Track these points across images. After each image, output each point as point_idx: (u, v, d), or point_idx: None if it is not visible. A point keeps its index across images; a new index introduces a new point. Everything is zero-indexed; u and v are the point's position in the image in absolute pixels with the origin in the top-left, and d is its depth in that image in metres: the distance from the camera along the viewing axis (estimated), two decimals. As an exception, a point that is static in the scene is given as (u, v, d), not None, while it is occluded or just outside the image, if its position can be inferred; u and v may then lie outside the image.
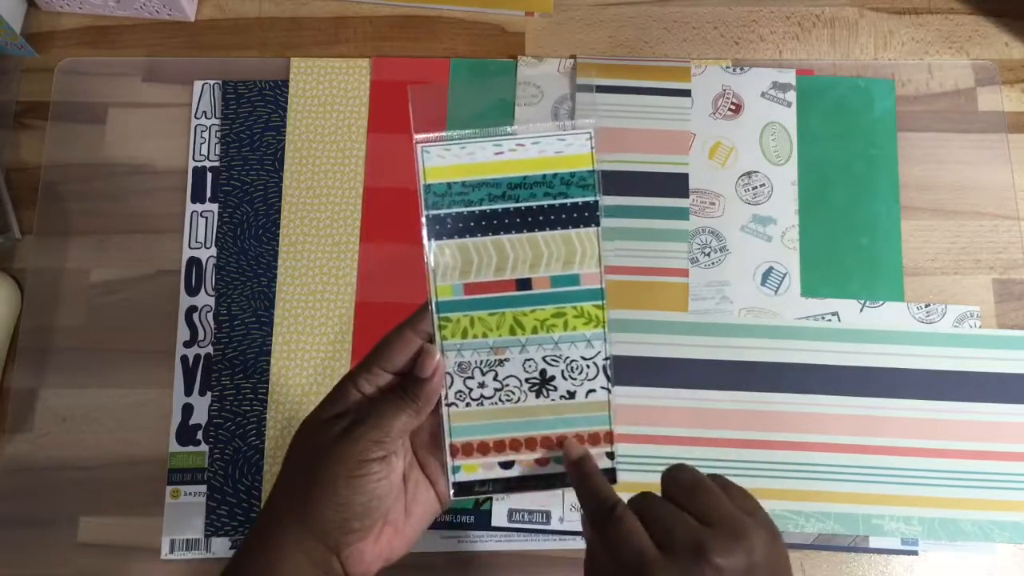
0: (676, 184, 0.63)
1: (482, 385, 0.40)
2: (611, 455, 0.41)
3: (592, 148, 0.40)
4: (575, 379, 0.41)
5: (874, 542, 0.58)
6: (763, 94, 0.65)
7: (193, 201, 0.64)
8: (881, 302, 0.61)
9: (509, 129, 0.41)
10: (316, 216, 0.63)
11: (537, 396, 0.41)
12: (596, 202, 0.40)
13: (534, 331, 0.40)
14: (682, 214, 0.62)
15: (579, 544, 0.58)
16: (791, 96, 0.65)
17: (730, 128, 0.64)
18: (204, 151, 0.64)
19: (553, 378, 0.41)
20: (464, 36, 0.67)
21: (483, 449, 0.41)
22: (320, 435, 0.38)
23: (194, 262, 0.63)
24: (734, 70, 0.65)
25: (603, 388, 0.41)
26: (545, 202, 0.40)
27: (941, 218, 0.64)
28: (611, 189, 0.63)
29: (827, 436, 0.59)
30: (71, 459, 0.59)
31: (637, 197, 0.63)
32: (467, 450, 0.41)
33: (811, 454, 0.58)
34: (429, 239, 0.40)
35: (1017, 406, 0.59)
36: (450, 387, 0.40)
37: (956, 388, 0.59)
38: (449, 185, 0.40)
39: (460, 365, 0.40)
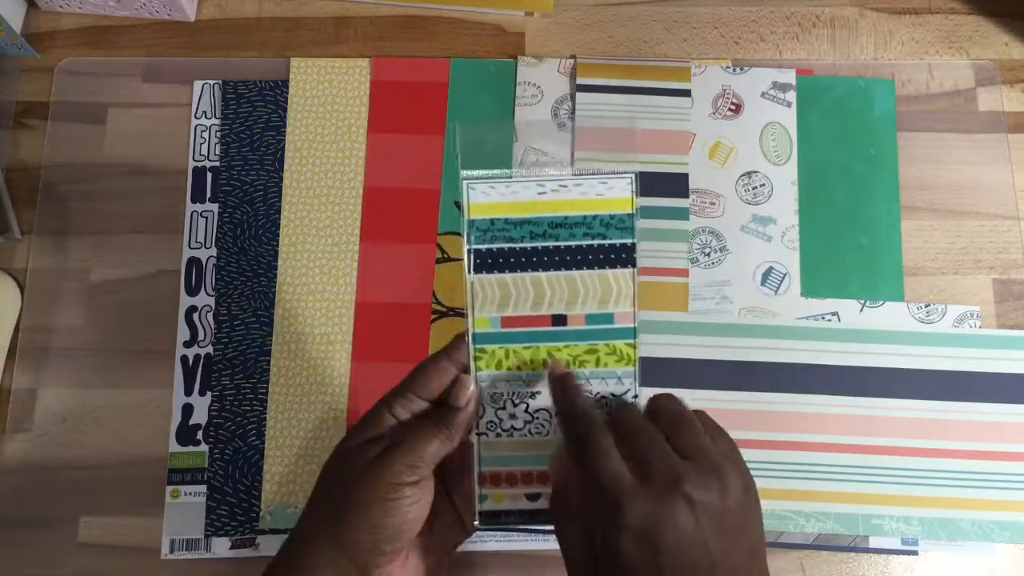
0: (676, 184, 0.63)
1: (513, 416, 0.41)
2: None
3: (633, 193, 0.42)
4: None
5: (874, 542, 0.58)
6: (763, 94, 0.65)
7: (193, 201, 0.64)
8: (881, 302, 0.61)
9: (553, 171, 0.41)
10: (316, 216, 0.63)
11: None
12: (633, 244, 0.41)
13: (566, 365, 0.41)
14: (682, 214, 0.62)
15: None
16: (791, 96, 0.65)
17: (730, 128, 0.64)
18: (204, 151, 0.64)
19: None
20: (464, 36, 0.67)
21: (511, 480, 0.41)
22: (355, 458, 0.38)
23: (194, 262, 0.63)
24: (734, 70, 0.65)
25: None
26: (584, 242, 0.41)
27: (941, 218, 0.64)
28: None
29: (827, 436, 0.59)
30: (71, 459, 0.59)
31: (637, 197, 0.62)
32: (495, 480, 0.41)
33: (811, 454, 0.58)
34: (470, 272, 0.41)
35: (1017, 406, 0.59)
36: (482, 417, 0.41)
37: (956, 388, 0.59)
38: (492, 221, 0.41)
39: (493, 396, 0.41)
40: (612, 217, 0.41)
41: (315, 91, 0.65)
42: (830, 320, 0.61)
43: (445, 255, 0.62)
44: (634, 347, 0.41)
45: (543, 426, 0.41)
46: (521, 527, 0.41)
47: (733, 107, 0.65)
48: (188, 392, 0.60)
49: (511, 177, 0.41)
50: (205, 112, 0.65)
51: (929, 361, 0.60)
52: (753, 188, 0.63)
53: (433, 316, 0.61)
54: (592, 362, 0.41)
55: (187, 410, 0.60)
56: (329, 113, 0.65)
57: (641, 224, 0.62)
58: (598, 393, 0.41)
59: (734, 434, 0.59)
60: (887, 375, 0.59)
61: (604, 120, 0.64)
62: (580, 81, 0.65)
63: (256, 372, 0.61)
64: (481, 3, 0.67)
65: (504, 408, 0.41)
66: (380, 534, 0.37)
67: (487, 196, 0.41)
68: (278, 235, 0.63)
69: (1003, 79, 0.66)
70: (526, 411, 0.41)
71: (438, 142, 0.64)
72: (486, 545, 0.58)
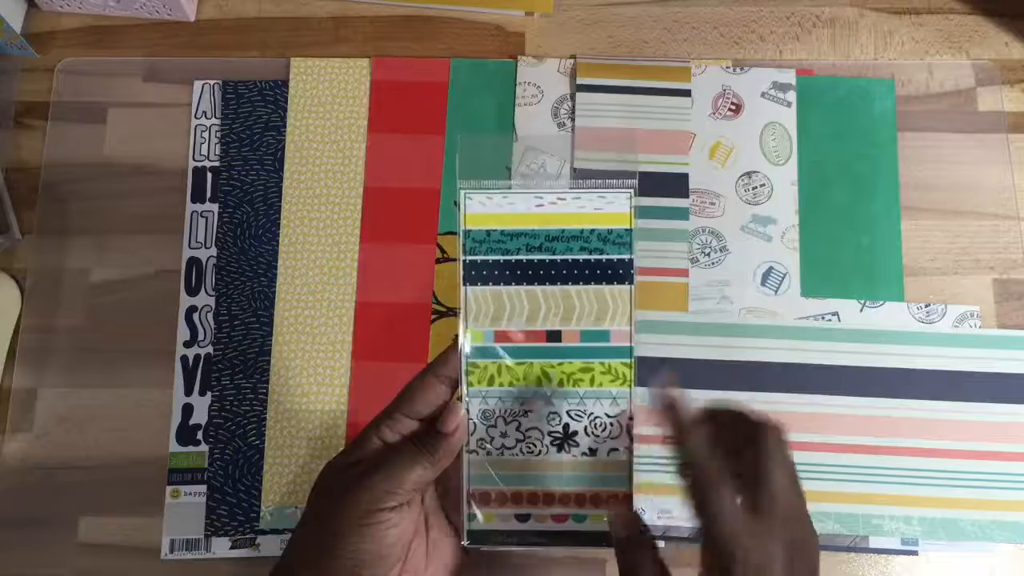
0: (676, 184, 0.63)
1: (504, 435, 0.40)
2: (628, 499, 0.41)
3: (632, 208, 0.41)
4: (598, 436, 0.40)
5: (874, 542, 0.58)
6: (763, 94, 0.65)
7: (193, 201, 0.64)
8: (881, 302, 0.61)
9: (552, 184, 0.41)
10: (316, 216, 0.63)
11: (559, 450, 0.40)
12: (631, 260, 0.40)
13: (560, 384, 0.40)
14: (682, 214, 0.62)
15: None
16: (791, 96, 0.65)
17: (730, 128, 0.64)
18: (204, 151, 0.64)
19: (576, 433, 0.41)
20: (464, 36, 0.67)
21: (500, 499, 0.40)
22: (336, 481, 0.38)
23: (194, 262, 0.63)
24: (734, 70, 0.65)
25: (625, 448, 0.41)
26: (581, 256, 0.40)
27: (941, 218, 0.64)
28: (611, 189, 0.63)
29: (827, 436, 0.59)
30: (71, 459, 0.59)
31: (637, 197, 0.62)
32: (484, 499, 0.40)
33: (811, 454, 0.58)
34: (464, 283, 0.40)
35: (1017, 406, 0.59)
36: (472, 434, 0.40)
37: (956, 388, 0.59)
38: (488, 232, 0.40)
39: (484, 413, 0.40)
40: (610, 232, 0.40)
41: (315, 91, 0.65)
42: (830, 320, 0.61)
43: (445, 255, 0.62)
44: (630, 366, 0.40)
45: (534, 445, 0.40)
46: (511, 547, 0.41)
47: (733, 107, 0.65)
48: (188, 392, 0.60)
49: (509, 188, 0.40)
50: (205, 112, 0.65)
51: (929, 361, 0.60)
52: (753, 188, 0.63)
53: (433, 316, 0.61)
54: (587, 381, 0.40)
55: (187, 410, 0.60)
56: (329, 113, 0.65)
57: (641, 224, 0.62)
58: (592, 413, 0.40)
59: (734, 434, 0.59)
60: (887, 375, 0.59)
61: (604, 120, 0.64)
62: (580, 81, 0.65)
63: (256, 372, 0.61)
64: (481, 3, 0.67)
65: (495, 426, 0.40)
66: (357, 559, 0.36)
67: (484, 206, 0.40)
68: (278, 235, 0.63)
69: (1003, 79, 0.66)
70: (518, 429, 0.40)
71: (438, 142, 0.64)
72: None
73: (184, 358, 0.61)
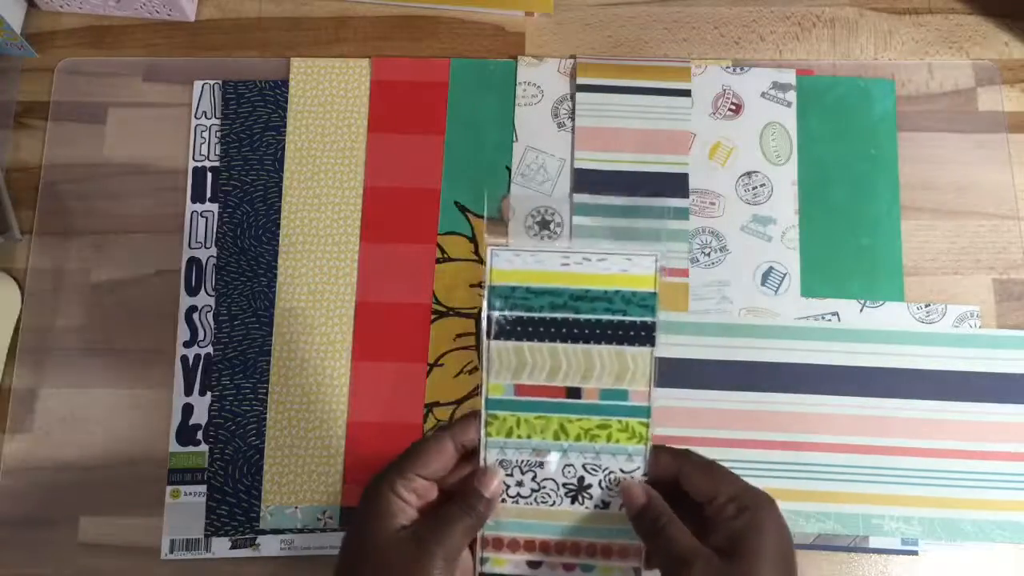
0: (676, 184, 0.63)
1: (520, 484, 0.41)
2: (638, 571, 0.41)
3: (656, 271, 0.41)
4: (612, 491, 0.41)
5: (874, 542, 0.58)
6: (763, 94, 0.65)
7: (193, 201, 0.64)
8: (881, 302, 0.61)
9: (577, 245, 0.42)
10: (316, 216, 0.63)
11: (572, 502, 0.41)
12: (654, 323, 0.41)
13: (577, 438, 0.41)
14: (682, 214, 0.62)
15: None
16: (791, 96, 0.65)
17: (730, 128, 0.64)
18: (204, 151, 0.64)
19: (590, 486, 0.41)
20: (464, 36, 0.67)
21: (513, 546, 0.42)
22: (395, 554, 0.39)
23: (194, 262, 0.63)
24: (734, 70, 0.65)
25: None
26: (604, 316, 0.41)
27: (941, 218, 0.64)
28: (612, 189, 0.63)
29: (827, 436, 0.59)
30: (71, 459, 0.59)
31: (637, 197, 0.63)
32: (497, 544, 0.42)
33: (811, 454, 0.58)
34: (488, 337, 0.41)
35: (1017, 406, 0.59)
36: None
37: (956, 388, 0.59)
38: (513, 289, 0.41)
39: (502, 462, 0.41)
40: (634, 294, 0.41)
41: (315, 91, 0.65)
42: (830, 320, 0.61)
43: (445, 255, 0.62)
44: (647, 425, 0.41)
45: (549, 496, 0.41)
46: None
47: (733, 107, 0.65)
48: (188, 392, 0.60)
49: (537, 247, 0.41)
50: (205, 112, 0.65)
51: (929, 361, 0.60)
52: (753, 188, 0.63)
53: (433, 316, 0.61)
54: (604, 437, 0.41)
55: (187, 410, 0.60)
56: (329, 113, 0.65)
57: (641, 224, 0.62)
58: (607, 468, 0.41)
59: (734, 434, 0.59)
60: (887, 375, 0.59)
61: (604, 120, 0.64)
62: (580, 81, 0.65)
63: (256, 372, 0.61)
64: (481, 3, 0.67)
65: (512, 475, 0.41)
66: None
67: (510, 263, 0.41)
68: (278, 235, 0.63)
69: (1003, 79, 0.66)
70: (533, 479, 0.41)
71: (438, 142, 0.64)
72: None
73: (184, 358, 0.61)
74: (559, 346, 0.41)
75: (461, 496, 0.40)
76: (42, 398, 0.60)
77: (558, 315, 0.41)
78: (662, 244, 0.42)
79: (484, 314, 0.41)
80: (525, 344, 0.41)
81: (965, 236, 0.63)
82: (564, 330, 0.41)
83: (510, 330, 0.41)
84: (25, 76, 0.66)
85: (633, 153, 0.63)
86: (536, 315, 0.41)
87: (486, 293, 0.41)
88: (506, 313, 0.41)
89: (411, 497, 0.40)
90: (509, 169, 0.63)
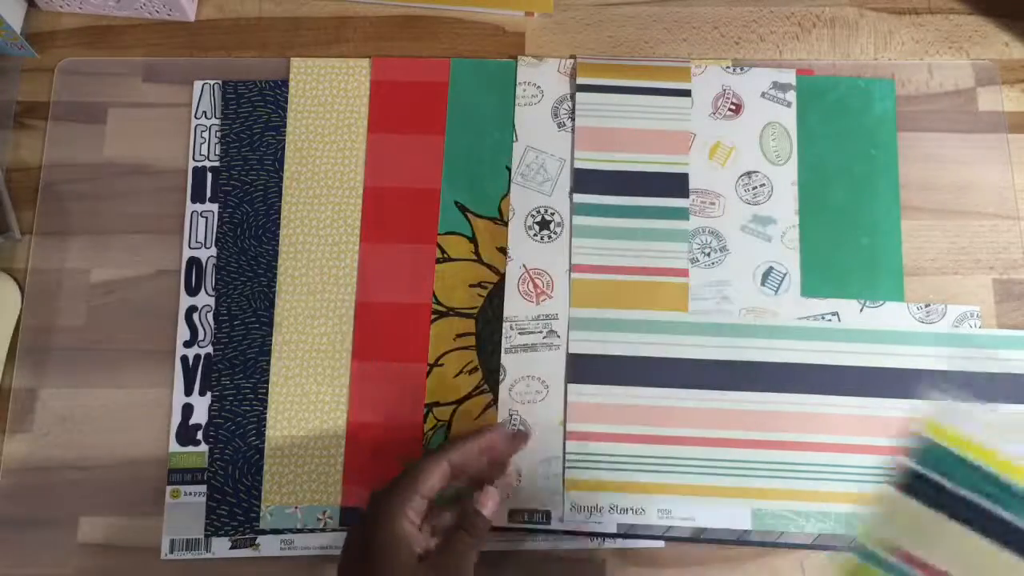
0: (676, 184, 0.63)
1: None
2: None
3: None
4: None
5: (874, 542, 0.58)
6: (763, 94, 0.65)
7: (193, 201, 0.64)
8: (881, 302, 0.61)
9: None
10: (316, 216, 0.63)
11: None
12: None
13: None
14: (682, 214, 0.62)
15: (579, 544, 0.58)
16: (791, 96, 0.65)
17: (730, 128, 0.64)
18: (204, 151, 0.64)
19: None
20: (464, 36, 0.67)
21: None
22: None
23: (194, 262, 0.63)
24: (734, 70, 0.65)
25: None
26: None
27: (941, 218, 0.64)
28: (611, 189, 0.63)
29: (827, 436, 0.59)
30: (71, 459, 0.59)
31: (637, 197, 0.63)
32: None
33: (811, 454, 0.58)
34: (895, 485, 0.39)
35: (1017, 406, 0.59)
36: None
37: (957, 388, 0.59)
38: (945, 452, 0.39)
39: None
40: None
41: (315, 91, 0.65)
42: (830, 320, 0.61)
43: (445, 255, 0.62)
44: None
45: None
46: None
47: (733, 107, 0.65)
48: (188, 392, 0.60)
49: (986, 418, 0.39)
50: (205, 112, 0.65)
51: (929, 361, 0.60)
52: (753, 188, 0.63)
53: (433, 316, 0.61)
54: None
55: (187, 410, 0.60)
56: (329, 113, 0.65)
57: (641, 224, 0.62)
58: None
59: (734, 434, 0.59)
60: (887, 375, 0.59)
61: (604, 120, 0.64)
62: (580, 81, 0.65)
63: (256, 372, 0.61)
64: (481, 3, 0.67)
65: None
66: None
67: (968, 426, 0.39)
68: (278, 235, 0.63)
69: (1003, 79, 0.66)
70: None
71: (438, 142, 0.64)
72: (486, 545, 0.57)
73: (184, 358, 0.61)
74: (975, 536, 0.37)
75: (469, 524, 0.48)
76: (42, 398, 0.60)
77: (984, 503, 0.37)
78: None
79: (902, 472, 0.38)
80: (930, 512, 0.38)
81: (965, 236, 0.63)
82: (984, 521, 0.37)
83: (918, 490, 0.38)
84: (25, 76, 0.66)
85: (633, 153, 0.63)
86: (960, 493, 0.38)
87: (915, 441, 0.38)
88: (923, 471, 0.38)
89: (417, 519, 0.47)
90: (509, 169, 0.63)
